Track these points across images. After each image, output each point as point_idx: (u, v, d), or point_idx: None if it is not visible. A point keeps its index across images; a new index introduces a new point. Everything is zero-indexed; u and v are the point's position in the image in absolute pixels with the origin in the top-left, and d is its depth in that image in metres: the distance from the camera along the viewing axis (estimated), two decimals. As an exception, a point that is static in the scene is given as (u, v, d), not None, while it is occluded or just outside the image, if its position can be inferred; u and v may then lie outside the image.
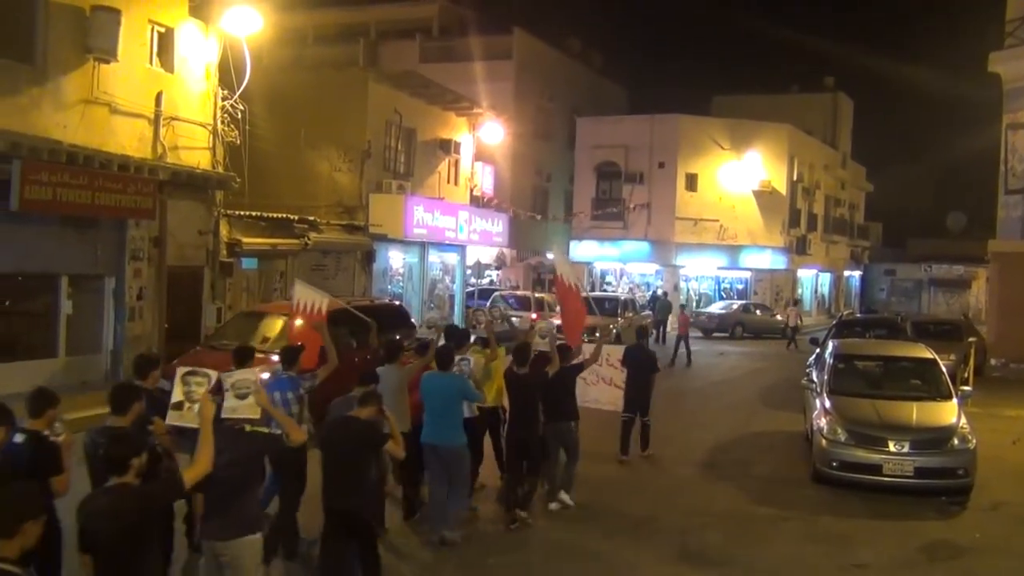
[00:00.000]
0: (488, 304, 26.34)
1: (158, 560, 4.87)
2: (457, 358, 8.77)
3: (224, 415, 5.46)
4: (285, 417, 5.93)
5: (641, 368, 11.63)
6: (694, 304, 37.32)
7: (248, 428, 5.55)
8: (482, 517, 8.99)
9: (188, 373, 5.57)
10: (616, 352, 11.58)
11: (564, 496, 9.44)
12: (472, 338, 9.90)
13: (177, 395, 5.49)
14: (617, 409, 11.49)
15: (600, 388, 11.11)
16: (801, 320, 31.13)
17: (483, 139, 28.88)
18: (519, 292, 30.31)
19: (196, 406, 5.32)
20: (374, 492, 7.01)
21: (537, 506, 9.19)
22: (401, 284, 25.46)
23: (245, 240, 18.27)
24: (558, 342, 9.75)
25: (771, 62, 74.44)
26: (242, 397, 5.52)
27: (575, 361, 9.71)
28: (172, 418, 5.61)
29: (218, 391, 5.61)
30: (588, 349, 10.38)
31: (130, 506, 4.43)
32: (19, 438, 5.35)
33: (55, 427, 5.65)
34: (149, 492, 4.69)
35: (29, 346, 14.22)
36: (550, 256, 38.32)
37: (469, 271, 28.48)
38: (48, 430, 5.58)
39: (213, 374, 5.68)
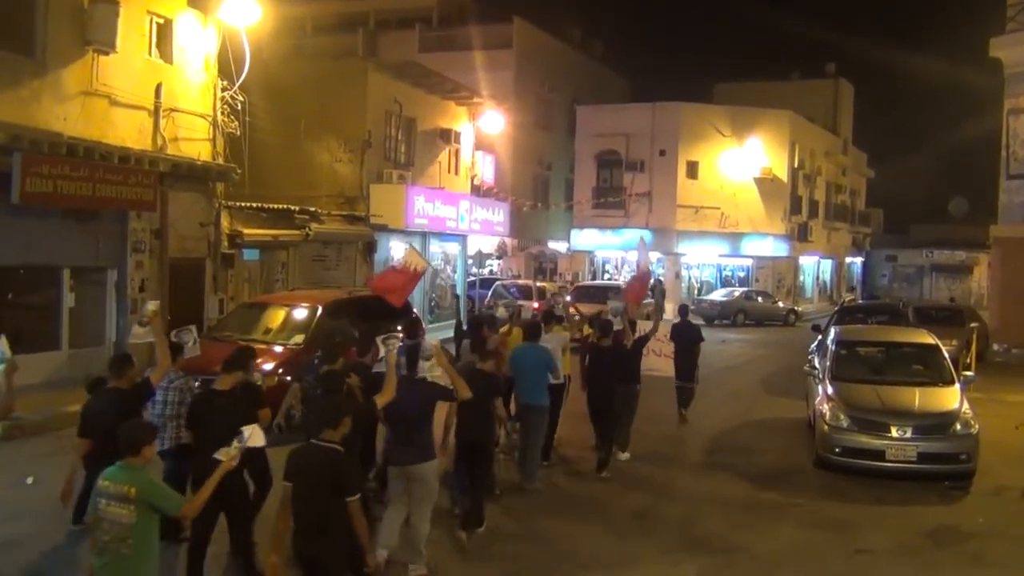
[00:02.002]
0: (490, 293, 26.35)
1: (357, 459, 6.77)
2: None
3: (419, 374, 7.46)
4: (457, 376, 7.47)
5: (688, 340, 13.46)
6: (696, 291, 37.31)
7: (429, 379, 7.35)
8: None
9: (385, 338, 7.22)
10: (662, 328, 13.28)
11: (623, 453, 11.04)
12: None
13: (382, 352, 7.35)
14: (668, 374, 13.20)
15: (651, 358, 12.54)
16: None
17: (483, 128, 28.82)
18: (520, 281, 30.29)
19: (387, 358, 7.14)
20: (495, 426, 8.53)
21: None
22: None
23: (246, 231, 18.26)
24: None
25: (772, 49, 74.32)
26: (427, 359, 7.40)
27: (639, 335, 11.62)
28: (377, 367, 7.69)
29: (402, 352, 7.60)
30: (646, 326, 12.29)
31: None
32: None
33: (255, 375, 7.82)
34: (357, 407, 6.56)
35: (32, 339, 14.21)
36: (551, 245, 38.39)
37: (470, 261, 28.46)
38: (251, 377, 7.50)
39: (401, 335, 7.74)
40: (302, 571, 5.56)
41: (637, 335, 11.57)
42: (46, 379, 13.31)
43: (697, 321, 29.88)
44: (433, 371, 7.37)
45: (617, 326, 11.08)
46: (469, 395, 7.33)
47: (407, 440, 7.09)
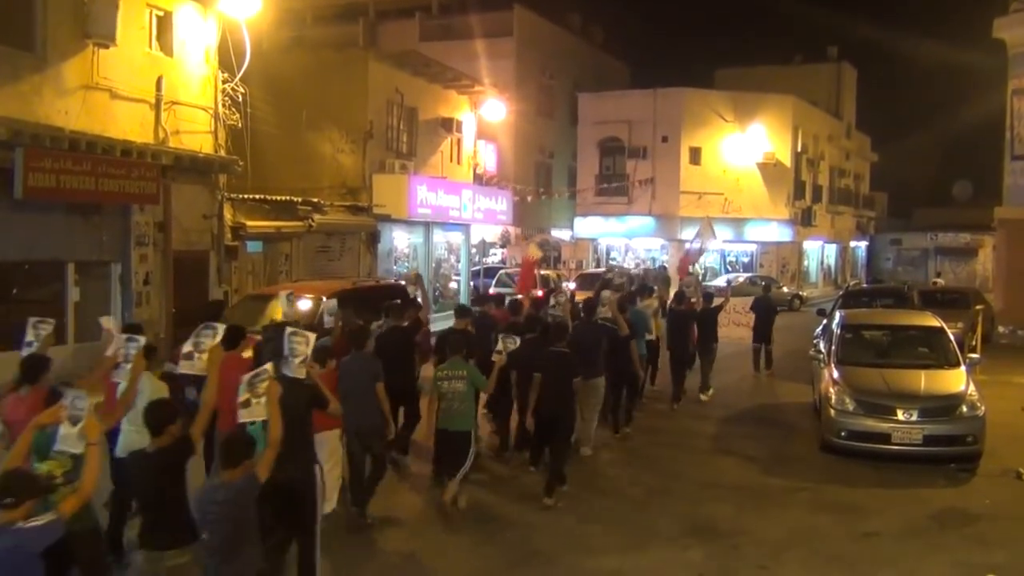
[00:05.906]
0: (494, 281, 26.35)
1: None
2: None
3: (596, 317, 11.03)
4: (621, 319, 11.03)
5: (766, 311, 17.04)
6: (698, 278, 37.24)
7: (600, 322, 10.94)
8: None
9: (555, 295, 10.73)
10: (744, 303, 17.54)
11: (704, 395, 14.27)
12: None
13: (552, 303, 11.81)
14: (744, 341, 17.00)
15: (731, 328, 16.67)
16: None
17: (485, 117, 28.75)
18: (524, 270, 30.23)
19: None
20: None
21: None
22: (407, 264, 25.45)
23: (249, 223, 18.25)
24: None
25: (773, 33, 73.72)
26: (602, 305, 11.30)
27: (716, 304, 15.07)
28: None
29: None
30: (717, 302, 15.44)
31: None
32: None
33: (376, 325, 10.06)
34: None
35: (38, 334, 14.24)
36: (554, 233, 38.35)
37: (474, 250, 28.43)
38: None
39: (569, 290, 13.04)
40: (542, 426, 8.88)
41: (719, 303, 15.09)
42: (52, 373, 13.32)
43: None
44: (603, 316, 11.06)
45: (691, 296, 14.87)
46: (627, 331, 11.00)
47: (587, 363, 9.76)
